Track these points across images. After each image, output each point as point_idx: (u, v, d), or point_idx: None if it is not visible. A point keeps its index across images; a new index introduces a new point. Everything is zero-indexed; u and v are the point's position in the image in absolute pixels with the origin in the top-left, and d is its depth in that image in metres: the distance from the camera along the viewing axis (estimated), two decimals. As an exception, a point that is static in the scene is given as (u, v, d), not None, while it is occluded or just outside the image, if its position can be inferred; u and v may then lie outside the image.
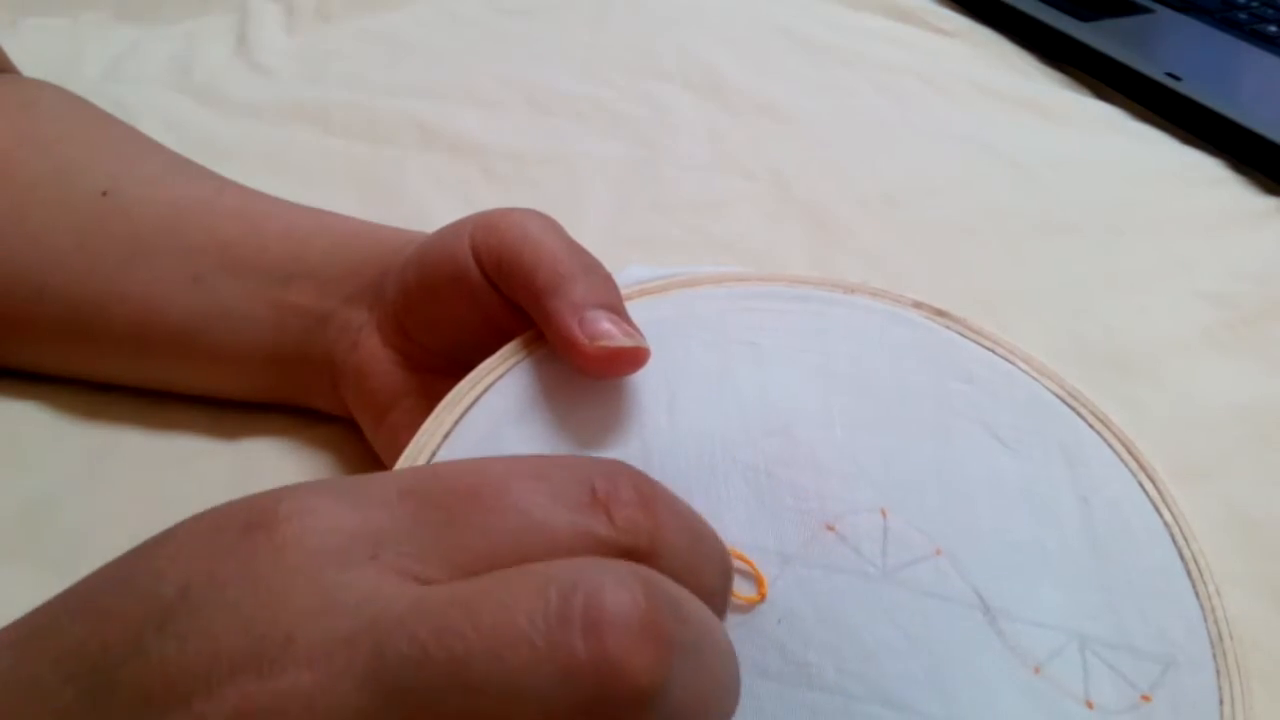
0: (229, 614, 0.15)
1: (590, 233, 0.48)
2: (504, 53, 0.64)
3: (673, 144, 0.55)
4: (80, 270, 0.35)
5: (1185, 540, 0.27)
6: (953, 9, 0.72)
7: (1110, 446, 0.29)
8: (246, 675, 0.15)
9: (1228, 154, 0.55)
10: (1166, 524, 0.27)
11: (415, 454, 0.26)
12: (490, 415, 0.27)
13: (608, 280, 0.28)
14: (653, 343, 0.28)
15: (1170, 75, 0.60)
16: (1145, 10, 0.70)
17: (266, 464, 0.35)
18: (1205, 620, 0.25)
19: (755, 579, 0.23)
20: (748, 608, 0.23)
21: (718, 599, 0.19)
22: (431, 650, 0.14)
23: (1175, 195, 0.53)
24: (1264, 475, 0.37)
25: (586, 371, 0.27)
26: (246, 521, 0.17)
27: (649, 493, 0.18)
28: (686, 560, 0.18)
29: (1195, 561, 0.26)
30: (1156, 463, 0.28)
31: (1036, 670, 0.23)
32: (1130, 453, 0.28)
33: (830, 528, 0.24)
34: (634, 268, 0.32)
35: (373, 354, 0.32)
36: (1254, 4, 0.70)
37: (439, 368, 0.31)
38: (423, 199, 0.50)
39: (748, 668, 0.22)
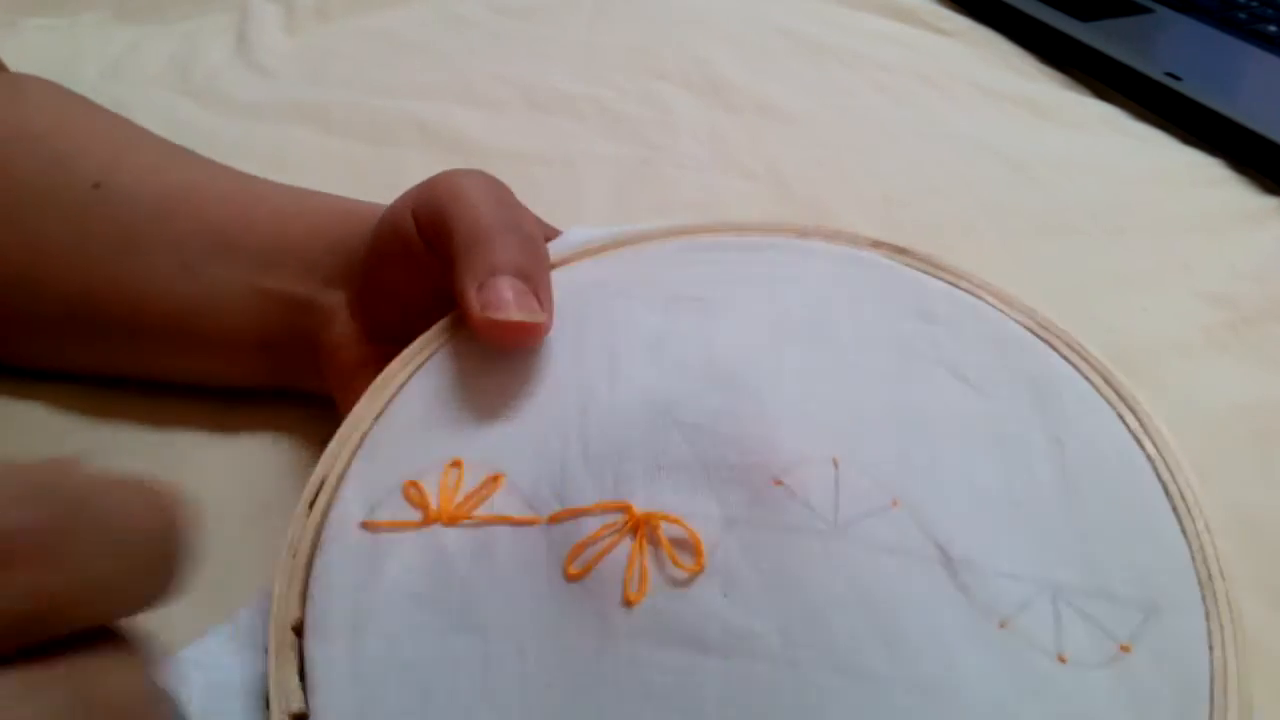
0: None
1: (590, 233, 0.48)
2: (504, 53, 0.64)
3: (673, 144, 0.55)
4: (75, 264, 0.35)
5: (1171, 474, 0.25)
6: (953, 9, 0.71)
7: (1086, 379, 0.27)
8: None
9: (1228, 154, 0.55)
10: (1150, 458, 0.25)
11: (347, 434, 0.25)
12: (423, 392, 0.26)
13: (528, 243, 0.27)
14: (594, 306, 0.27)
15: (1170, 75, 0.60)
16: (1145, 10, 0.69)
17: (264, 464, 0.35)
18: (1193, 559, 0.23)
19: (694, 548, 0.22)
20: (687, 580, 0.22)
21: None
22: None
23: (1175, 195, 0.53)
24: (1264, 475, 0.37)
25: (481, 341, 0.26)
26: None
27: None
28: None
29: (1182, 496, 0.24)
30: (1140, 394, 0.26)
31: (1002, 625, 0.22)
32: (1109, 383, 0.26)
33: (778, 482, 0.23)
34: (578, 229, 0.30)
35: (342, 330, 0.32)
36: (1254, 4, 0.70)
37: (399, 339, 0.31)
38: (422, 199, 0.50)
39: (686, 643, 0.21)
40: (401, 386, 0.26)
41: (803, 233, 0.30)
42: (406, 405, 0.26)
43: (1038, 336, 0.27)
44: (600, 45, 0.66)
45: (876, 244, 0.30)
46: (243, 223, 0.35)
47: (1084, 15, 0.67)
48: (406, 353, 0.27)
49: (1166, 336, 0.43)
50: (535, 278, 0.26)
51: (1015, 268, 0.47)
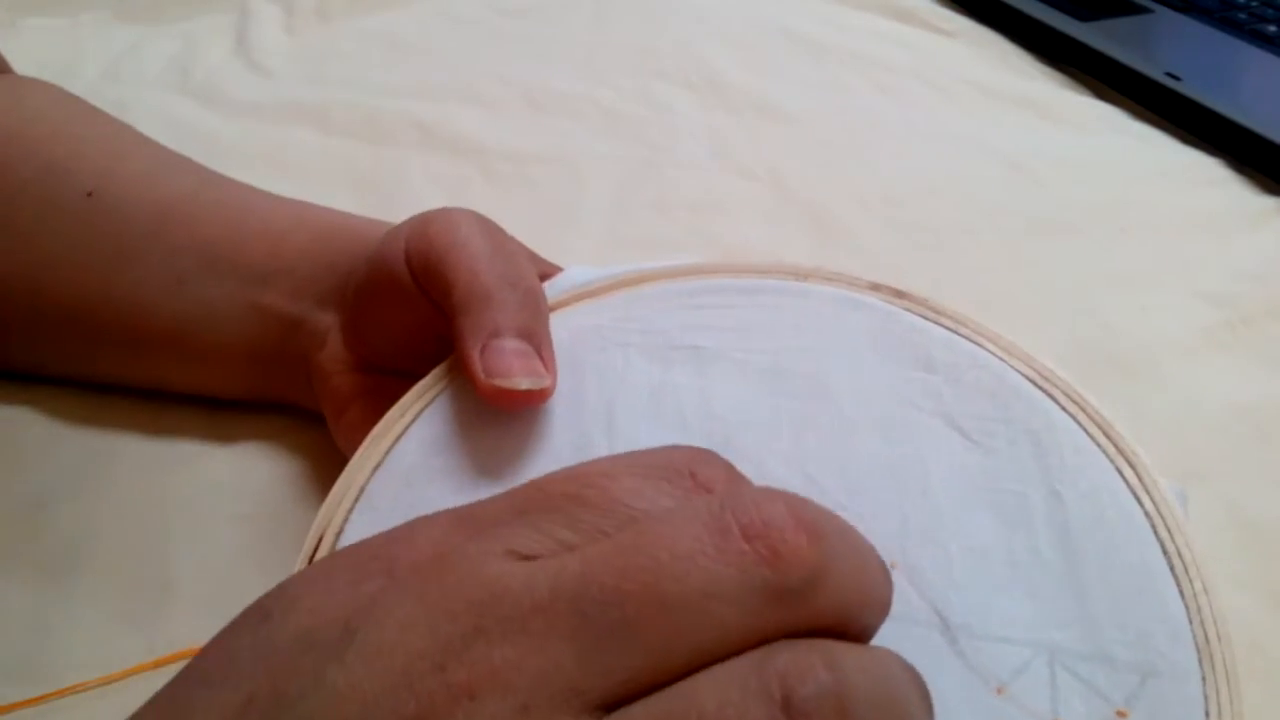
0: (406, 630, 0.16)
1: (590, 233, 0.48)
2: (504, 53, 0.64)
3: (673, 144, 0.55)
4: (70, 273, 0.35)
5: (1169, 532, 0.25)
6: (953, 9, 0.71)
7: (1085, 431, 0.26)
8: (448, 666, 0.15)
9: (1228, 154, 0.55)
10: (1148, 514, 0.25)
11: (344, 489, 0.25)
12: (421, 443, 0.26)
13: (527, 298, 0.27)
14: (592, 354, 0.27)
15: (1170, 75, 0.60)
16: (1145, 10, 0.69)
17: (262, 466, 0.35)
18: (1190, 621, 0.23)
19: None
20: None
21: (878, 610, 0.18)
22: (625, 586, 0.16)
23: (1175, 195, 0.53)
24: (1264, 475, 0.37)
25: (486, 403, 0.26)
26: (386, 567, 0.17)
27: (812, 527, 0.17)
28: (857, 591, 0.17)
29: (1180, 555, 0.24)
30: (1139, 447, 0.26)
31: (999, 691, 0.22)
32: (1108, 436, 0.26)
33: None
34: (575, 269, 0.30)
35: (333, 355, 0.32)
36: (1254, 4, 0.70)
37: (391, 370, 0.31)
38: (422, 199, 0.50)
39: None
40: (399, 437, 0.26)
41: (801, 275, 0.30)
42: (405, 456, 0.26)
43: (1038, 387, 0.27)
44: (600, 45, 0.66)
45: (875, 287, 0.29)
46: (235, 236, 0.35)
47: (1084, 15, 0.67)
48: (404, 400, 0.27)
49: (1166, 336, 0.43)
50: (537, 336, 0.26)
51: (1015, 267, 0.47)
